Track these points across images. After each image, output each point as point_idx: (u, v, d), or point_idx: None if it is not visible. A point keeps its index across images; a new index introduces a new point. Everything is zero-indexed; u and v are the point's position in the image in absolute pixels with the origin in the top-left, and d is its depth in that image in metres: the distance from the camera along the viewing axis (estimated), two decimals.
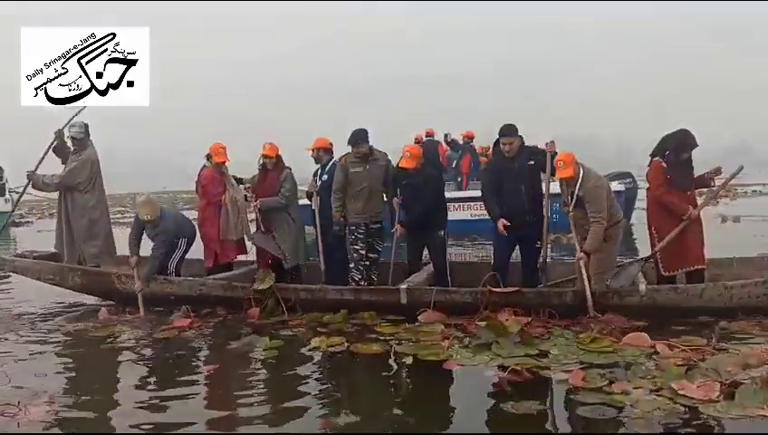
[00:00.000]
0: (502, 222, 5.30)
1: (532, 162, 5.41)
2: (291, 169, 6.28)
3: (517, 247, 5.63)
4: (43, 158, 6.44)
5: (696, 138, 5.15)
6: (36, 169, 6.45)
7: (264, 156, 6.15)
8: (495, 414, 3.42)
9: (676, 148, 5.14)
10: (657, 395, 3.43)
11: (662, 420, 3.16)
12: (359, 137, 5.86)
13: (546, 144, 5.34)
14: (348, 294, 5.54)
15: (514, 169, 5.38)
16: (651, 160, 5.27)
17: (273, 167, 6.17)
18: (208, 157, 6.43)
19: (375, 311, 5.35)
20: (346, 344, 4.63)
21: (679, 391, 3.41)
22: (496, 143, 5.52)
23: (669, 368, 3.78)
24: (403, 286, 5.35)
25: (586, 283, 4.85)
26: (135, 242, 6.16)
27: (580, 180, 5.01)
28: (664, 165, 5.16)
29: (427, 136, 13.52)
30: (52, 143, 6.47)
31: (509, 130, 5.38)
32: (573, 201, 5.10)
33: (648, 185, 5.40)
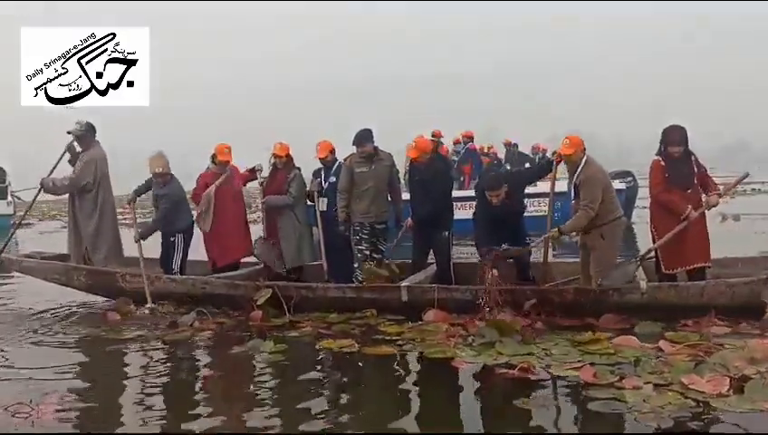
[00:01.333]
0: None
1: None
2: (300, 170, 6.28)
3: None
4: (56, 164, 6.36)
5: (677, 130, 5.08)
6: (50, 175, 6.35)
7: (275, 155, 6.18)
8: (507, 410, 3.42)
9: (664, 144, 5.14)
10: (667, 390, 3.44)
11: (673, 414, 3.16)
12: (363, 137, 5.85)
13: (554, 152, 5.43)
14: (349, 292, 5.54)
15: (504, 207, 5.36)
16: (653, 160, 5.27)
17: (282, 166, 6.19)
18: (213, 157, 6.30)
19: (376, 309, 5.34)
20: (357, 347, 4.58)
21: (690, 386, 3.42)
22: (483, 194, 5.44)
23: (677, 364, 3.79)
24: (404, 284, 5.35)
25: (546, 253, 5.48)
26: (136, 193, 6.42)
27: (581, 167, 5.04)
28: (662, 163, 5.14)
29: (433, 137, 13.42)
30: (65, 150, 6.37)
31: (495, 184, 5.32)
32: (574, 191, 5.12)
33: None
